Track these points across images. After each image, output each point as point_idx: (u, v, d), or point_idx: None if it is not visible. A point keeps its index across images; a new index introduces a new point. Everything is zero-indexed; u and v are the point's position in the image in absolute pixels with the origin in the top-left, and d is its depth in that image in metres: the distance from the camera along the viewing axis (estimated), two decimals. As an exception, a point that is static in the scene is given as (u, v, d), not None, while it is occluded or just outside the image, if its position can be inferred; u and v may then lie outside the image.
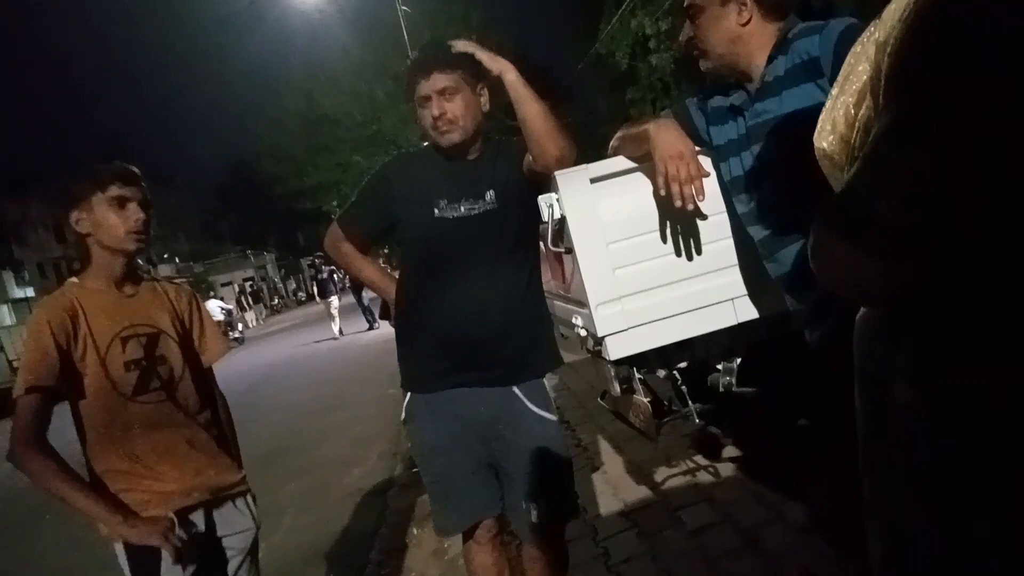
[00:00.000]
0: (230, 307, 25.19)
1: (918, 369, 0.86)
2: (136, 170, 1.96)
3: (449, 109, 2.11)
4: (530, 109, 2.03)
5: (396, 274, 2.42)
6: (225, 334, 25.77)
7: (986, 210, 0.78)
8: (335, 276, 18.53)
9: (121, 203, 1.89)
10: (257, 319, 34.57)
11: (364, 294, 16.88)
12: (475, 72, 2.12)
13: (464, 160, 2.22)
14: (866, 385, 0.96)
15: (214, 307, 26.42)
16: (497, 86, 2.12)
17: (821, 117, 1.04)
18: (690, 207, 2.05)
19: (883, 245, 0.82)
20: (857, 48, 1.00)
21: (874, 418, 0.95)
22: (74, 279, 1.93)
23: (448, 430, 2.24)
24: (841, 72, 1.02)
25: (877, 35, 0.89)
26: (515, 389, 2.22)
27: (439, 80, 2.09)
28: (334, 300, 17.74)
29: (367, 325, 16.76)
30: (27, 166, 39.09)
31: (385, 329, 14.55)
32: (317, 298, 20.97)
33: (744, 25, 1.86)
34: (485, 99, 2.19)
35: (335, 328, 17.29)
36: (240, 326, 26.02)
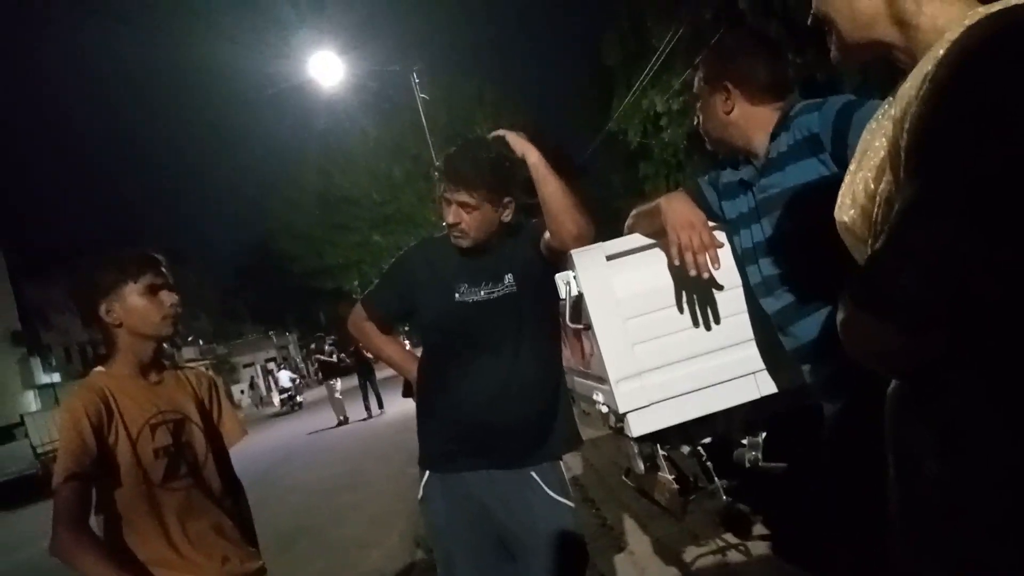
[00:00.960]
0: (296, 376, 24.66)
1: (944, 442, 0.86)
2: (159, 256, 2.00)
3: (464, 221, 2.17)
4: (549, 187, 2.08)
5: (418, 352, 2.44)
6: (292, 398, 23.88)
7: (1010, 283, 0.78)
8: (337, 357, 17.29)
9: (153, 291, 1.92)
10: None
11: (369, 381, 15.77)
12: (502, 190, 2.18)
13: (483, 246, 2.27)
14: (898, 458, 0.96)
15: (285, 377, 26.01)
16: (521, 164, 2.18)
17: (841, 192, 1.06)
18: (704, 275, 2.06)
19: (907, 318, 0.83)
20: (872, 124, 1.03)
21: (906, 491, 0.95)
22: (100, 368, 1.95)
23: (460, 512, 2.22)
24: (858, 148, 1.05)
25: (893, 112, 0.92)
26: (531, 472, 2.20)
27: (462, 195, 2.15)
28: (337, 384, 16.47)
29: (365, 414, 15.56)
30: (46, 245, 39.82)
31: (388, 416, 14.47)
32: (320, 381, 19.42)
33: (728, 113, 1.95)
34: (509, 212, 2.23)
35: (338, 415, 16.05)
36: (299, 397, 26.18)
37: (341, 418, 15.97)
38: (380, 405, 15.64)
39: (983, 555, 0.82)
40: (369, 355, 14.81)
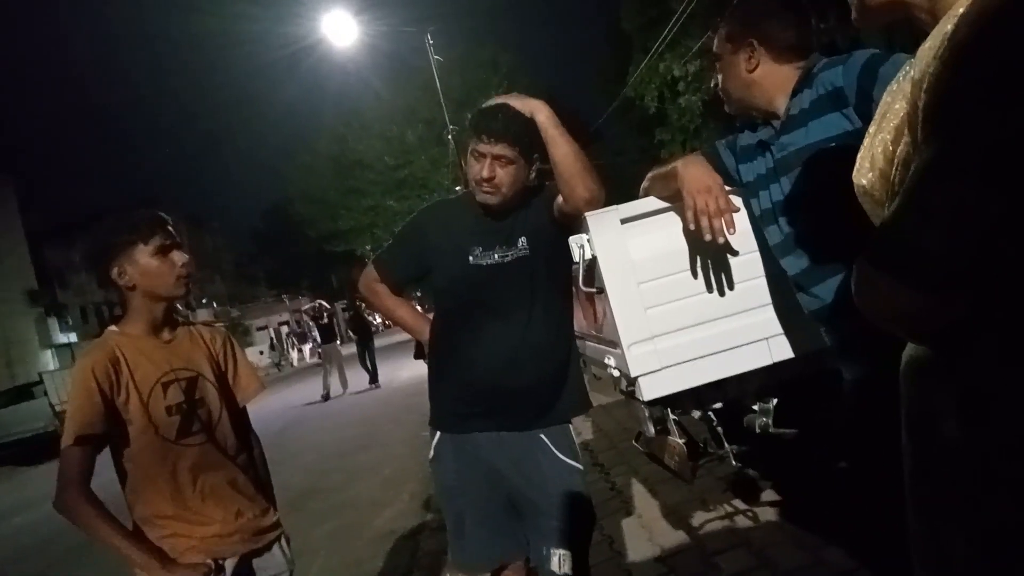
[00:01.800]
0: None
1: (966, 406, 0.85)
2: (167, 216, 2.00)
3: (499, 175, 2.13)
4: (560, 149, 2.05)
5: (430, 315, 2.45)
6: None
7: None
8: (335, 321, 15.78)
9: (164, 251, 1.92)
10: (306, 356, 34.54)
11: (367, 348, 14.70)
12: (532, 149, 2.15)
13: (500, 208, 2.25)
14: (914, 422, 0.96)
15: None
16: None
17: (859, 155, 1.05)
18: (720, 240, 2.04)
19: (928, 278, 0.82)
20: (893, 86, 1.01)
21: (922, 455, 0.94)
22: (113, 327, 1.96)
23: (471, 472, 2.25)
24: (878, 110, 1.03)
25: (912, 73, 0.90)
26: (541, 434, 2.22)
27: (501, 148, 2.11)
28: (333, 349, 14.78)
29: (369, 384, 14.37)
30: (70, 212, 40.40)
31: (398, 382, 13.98)
32: (316, 346, 17.02)
33: (752, 71, 1.92)
34: (534, 172, 2.22)
35: (330, 385, 14.34)
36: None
37: (327, 392, 14.41)
38: (375, 378, 14.44)
39: (1006, 519, 0.82)
40: (371, 319, 14.48)
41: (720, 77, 2.04)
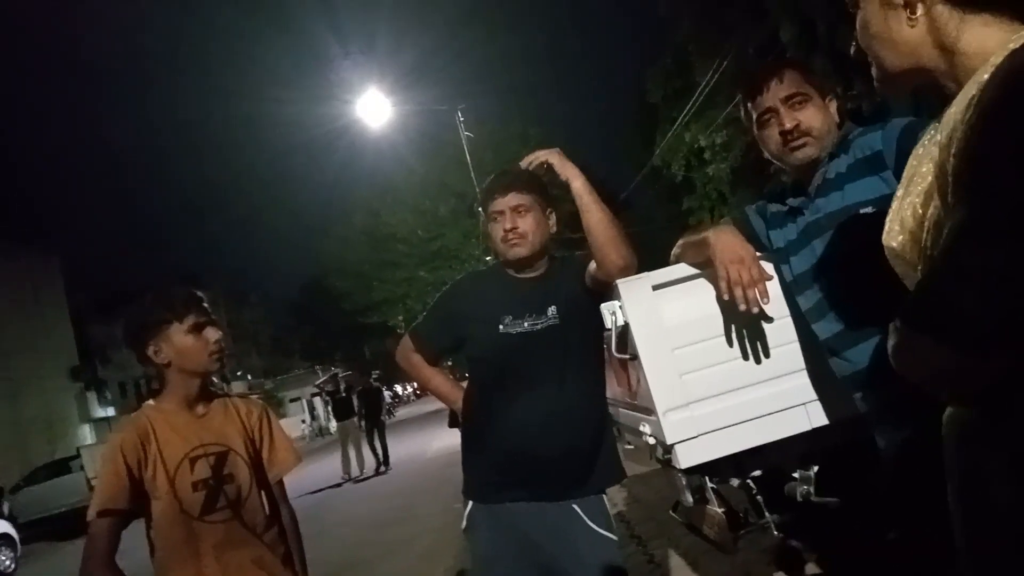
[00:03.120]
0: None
1: (1016, 467, 0.85)
2: (201, 293, 2.06)
3: (520, 224, 2.20)
4: (594, 216, 2.10)
5: (463, 383, 2.47)
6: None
7: None
8: (353, 397, 14.17)
9: (198, 329, 1.96)
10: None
11: (376, 427, 13.58)
12: (546, 198, 2.24)
13: (529, 277, 2.30)
14: (962, 486, 0.94)
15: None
16: (563, 198, 2.22)
17: (888, 218, 1.06)
18: (755, 310, 2.04)
19: (968, 338, 0.83)
20: (919, 150, 1.03)
21: (973, 519, 0.93)
22: (151, 401, 2.00)
23: (505, 542, 2.22)
24: (905, 174, 1.05)
25: (938, 137, 0.92)
26: (574, 505, 2.20)
27: (514, 198, 2.20)
28: (351, 425, 13.69)
29: (375, 465, 13.38)
30: (112, 289, 41.50)
31: (432, 452, 13.62)
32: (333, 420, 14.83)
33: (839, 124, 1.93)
34: (553, 222, 2.29)
35: (352, 465, 13.18)
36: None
37: (344, 474, 13.25)
38: (386, 461, 13.46)
39: None
40: (382, 397, 13.67)
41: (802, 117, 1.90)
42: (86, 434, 34.75)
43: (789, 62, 2.03)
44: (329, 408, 20.83)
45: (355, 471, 13.27)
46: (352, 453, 13.40)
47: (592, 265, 2.17)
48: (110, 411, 39.08)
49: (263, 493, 2.07)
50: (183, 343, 1.94)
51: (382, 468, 13.32)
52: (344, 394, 14.25)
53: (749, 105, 1.99)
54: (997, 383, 0.85)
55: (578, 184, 2.12)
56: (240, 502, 1.98)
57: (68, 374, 36.00)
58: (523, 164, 2.22)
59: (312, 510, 9.90)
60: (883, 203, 1.68)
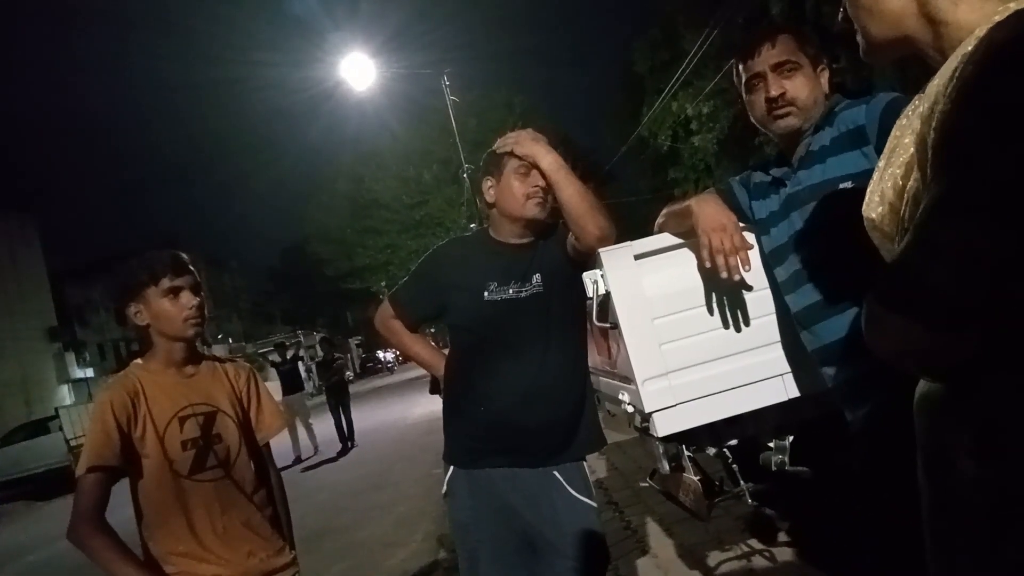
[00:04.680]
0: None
1: (982, 442, 0.85)
2: (185, 256, 2.03)
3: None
4: (566, 191, 2.09)
5: (445, 351, 2.47)
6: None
7: None
8: (300, 366, 12.88)
9: (175, 293, 1.94)
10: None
11: (341, 403, 12.30)
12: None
13: (513, 244, 2.28)
14: (930, 459, 0.95)
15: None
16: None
17: (869, 189, 1.06)
18: (735, 278, 2.05)
19: (939, 316, 0.83)
20: (902, 121, 1.02)
21: (939, 492, 0.94)
22: (138, 360, 2.00)
23: (485, 508, 2.24)
24: (887, 145, 1.04)
25: (921, 109, 0.92)
26: (555, 472, 2.22)
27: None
28: (297, 401, 12.07)
29: (340, 445, 12.09)
30: (91, 252, 41.22)
31: (412, 419, 13.33)
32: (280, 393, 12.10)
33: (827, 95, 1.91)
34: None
35: (301, 443, 11.69)
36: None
37: (298, 454, 11.67)
38: (351, 436, 12.32)
39: None
40: (345, 375, 12.63)
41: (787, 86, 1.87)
42: (64, 395, 34.60)
43: (786, 28, 2.01)
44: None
45: (306, 451, 11.79)
46: (302, 432, 11.85)
47: (571, 236, 2.16)
48: (89, 372, 38.90)
49: (252, 455, 2.07)
50: (159, 307, 1.93)
51: (349, 444, 12.25)
52: (291, 364, 12.54)
53: (740, 67, 1.97)
54: (968, 360, 0.85)
55: (545, 163, 2.12)
56: (230, 462, 1.98)
57: (46, 336, 35.76)
58: (496, 149, 2.23)
59: (288, 475, 9.90)
60: (863, 178, 1.67)
